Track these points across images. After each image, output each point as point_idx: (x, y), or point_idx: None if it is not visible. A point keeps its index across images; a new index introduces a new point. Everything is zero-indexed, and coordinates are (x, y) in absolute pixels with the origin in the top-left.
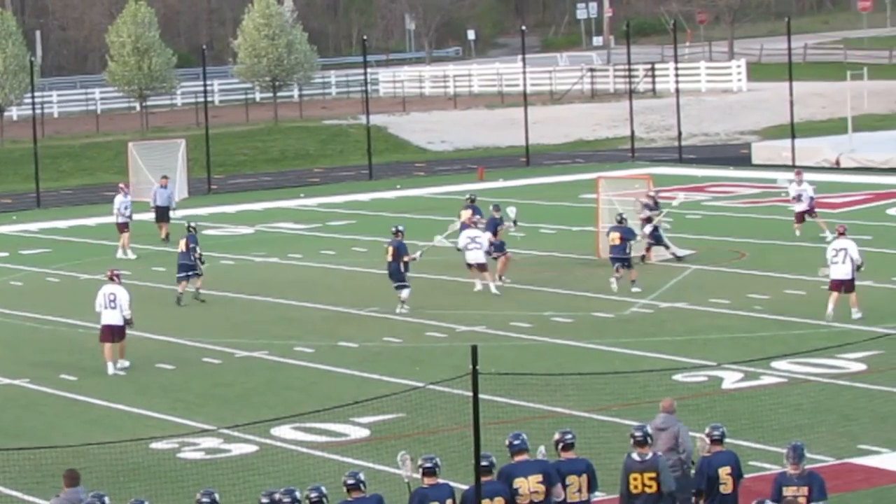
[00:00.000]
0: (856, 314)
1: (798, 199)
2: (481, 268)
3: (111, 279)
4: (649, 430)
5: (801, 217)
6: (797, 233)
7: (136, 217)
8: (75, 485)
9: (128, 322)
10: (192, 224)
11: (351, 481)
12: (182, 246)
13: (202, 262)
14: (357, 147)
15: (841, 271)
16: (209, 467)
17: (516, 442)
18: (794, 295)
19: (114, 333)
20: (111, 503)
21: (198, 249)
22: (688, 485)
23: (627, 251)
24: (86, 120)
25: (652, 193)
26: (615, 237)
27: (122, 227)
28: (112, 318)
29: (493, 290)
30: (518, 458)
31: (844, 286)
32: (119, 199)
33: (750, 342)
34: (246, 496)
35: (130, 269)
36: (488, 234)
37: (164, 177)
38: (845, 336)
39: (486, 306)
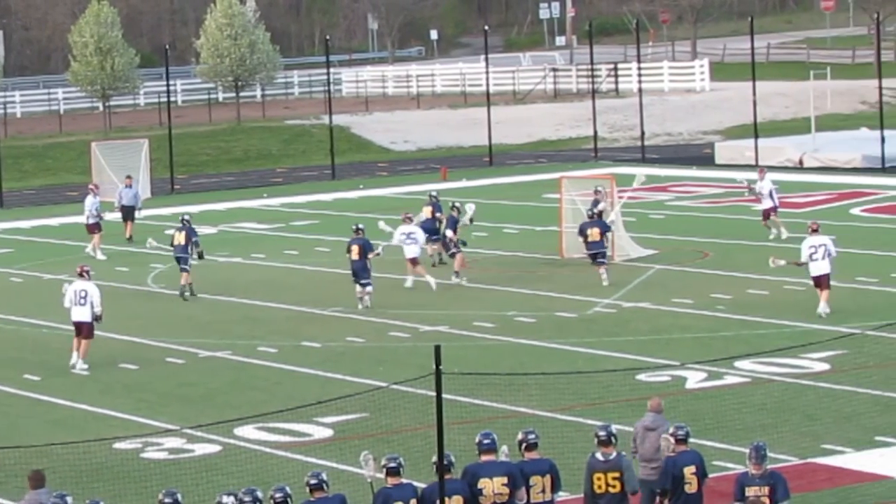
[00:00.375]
0: (824, 309)
1: (763, 196)
2: (413, 262)
3: (81, 275)
4: (613, 429)
5: (766, 215)
6: (771, 234)
7: (109, 217)
8: (40, 486)
9: (97, 318)
10: (187, 217)
11: (314, 481)
12: (181, 239)
13: (201, 258)
14: (320, 147)
15: (821, 267)
16: (172, 467)
17: (486, 441)
18: (758, 295)
19: (81, 330)
20: (74, 503)
21: (199, 244)
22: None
23: (606, 244)
24: (49, 120)
25: (600, 189)
26: (594, 232)
27: (93, 228)
28: (81, 314)
29: (433, 285)
30: (485, 458)
31: (823, 281)
32: (90, 200)
33: (713, 342)
34: (209, 496)
35: (94, 269)
36: (447, 228)
37: (128, 176)
38: (808, 336)
39: (450, 306)
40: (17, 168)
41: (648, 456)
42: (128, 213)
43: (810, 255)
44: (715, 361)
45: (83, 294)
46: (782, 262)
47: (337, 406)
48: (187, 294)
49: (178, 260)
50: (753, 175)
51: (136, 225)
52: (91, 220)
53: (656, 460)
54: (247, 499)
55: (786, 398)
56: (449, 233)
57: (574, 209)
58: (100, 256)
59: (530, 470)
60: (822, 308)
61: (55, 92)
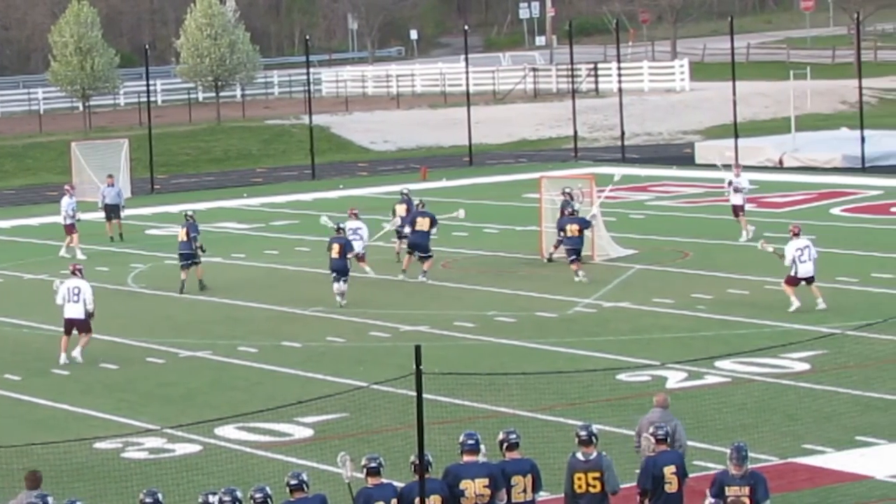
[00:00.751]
0: (822, 304)
1: (736, 190)
2: (359, 258)
3: (74, 273)
4: (594, 429)
5: (736, 212)
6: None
7: (83, 217)
8: (36, 487)
9: (90, 315)
10: (190, 213)
11: (294, 482)
12: (182, 235)
13: (203, 251)
14: (300, 147)
15: (808, 268)
16: (153, 467)
17: (470, 442)
18: (738, 295)
19: (75, 326)
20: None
21: (199, 239)
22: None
23: (582, 243)
24: (28, 120)
25: (569, 190)
26: (573, 228)
27: (70, 229)
28: (75, 311)
29: (372, 274)
30: (467, 459)
31: (811, 281)
32: (66, 201)
33: (693, 342)
34: (190, 496)
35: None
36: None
37: (110, 175)
38: (789, 336)
39: (430, 306)
40: None
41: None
42: (111, 211)
43: (798, 257)
44: (695, 361)
45: (76, 291)
46: (770, 249)
47: (317, 406)
48: (185, 290)
49: (181, 256)
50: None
51: (123, 223)
52: (68, 221)
53: None
54: (227, 499)
55: (766, 398)
56: (407, 229)
57: (554, 209)
58: (80, 256)
59: (512, 470)
60: (821, 304)
61: (35, 92)
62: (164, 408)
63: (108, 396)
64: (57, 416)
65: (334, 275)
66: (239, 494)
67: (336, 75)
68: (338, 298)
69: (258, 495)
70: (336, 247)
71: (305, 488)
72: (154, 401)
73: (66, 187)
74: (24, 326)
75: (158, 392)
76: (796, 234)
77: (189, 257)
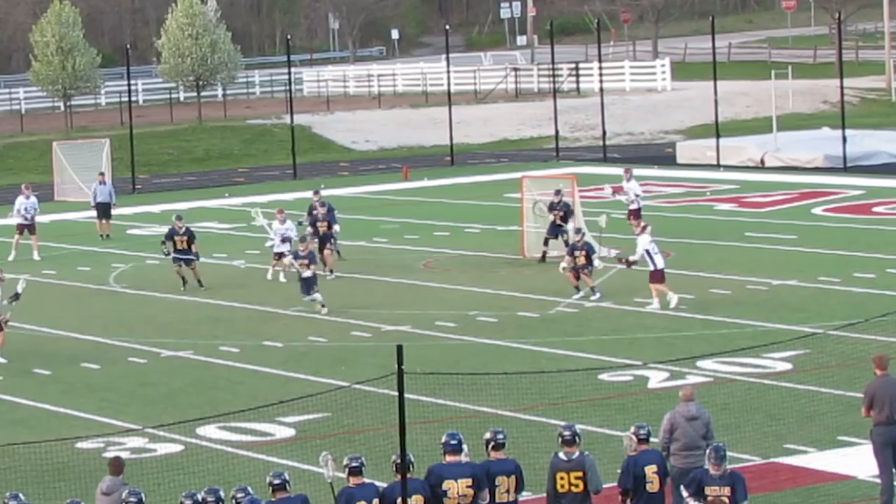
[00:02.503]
0: (675, 302)
1: (629, 197)
2: (279, 256)
3: None
4: (577, 429)
5: (635, 214)
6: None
7: (72, 216)
8: (119, 473)
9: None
10: (181, 216)
11: (277, 481)
12: (182, 244)
13: (197, 258)
14: (281, 147)
15: (662, 261)
16: (135, 467)
17: (453, 442)
18: (720, 294)
19: None
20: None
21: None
22: None
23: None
24: (10, 120)
25: (540, 202)
26: (582, 256)
27: (22, 228)
28: None
29: (270, 277)
30: (450, 459)
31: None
32: (20, 201)
33: (675, 341)
34: (171, 496)
35: (56, 269)
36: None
37: (101, 173)
38: (771, 336)
39: (412, 306)
40: None
41: (694, 444)
42: (103, 210)
43: (649, 252)
44: (677, 361)
45: None
46: (614, 252)
47: (299, 406)
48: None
49: (177, 256)
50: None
51: (112, 222)
52: (23, 221)
53: (698, 448)
54: (210, 498)
55: (748, 398)
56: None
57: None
58: (35, 257)
59: (496, 470)
60: (674, 301)
61: (16, 91)
62: (146, 407)
63: (89, 396)
64: (38, 415)
65: (304, 291)
66: (222, 494)
67: (317, 75)
68: (319, 307)
69: (240, 495)
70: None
71: (288, 488)
72: (136, 400)
73: (24, 186)
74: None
75: (140, 392)
76: (644, 228)
77: (186, 254)
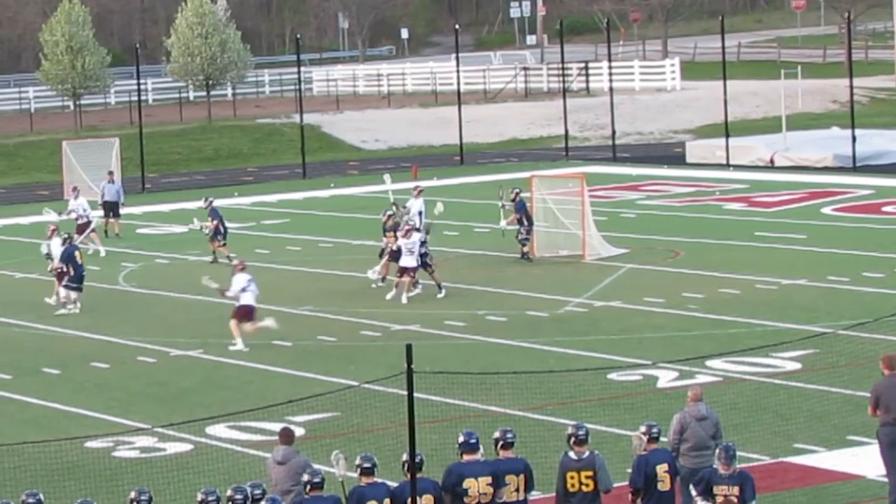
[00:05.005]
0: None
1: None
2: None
3: None
4: (587, 428)
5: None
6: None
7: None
8: (290, 443)
9: None
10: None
11: (317, 479)
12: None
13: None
14: (291, 146)
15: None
16: (144, 466)
17: (472, 441)
18: (729, 294)
19: None
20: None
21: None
22: None
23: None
24: (19, 119)
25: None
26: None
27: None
28: None
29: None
30: (468, 458)
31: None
32: (76, 202)
33: (685, 341)
34: (181, 495)
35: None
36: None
37: (110, 172)
38: (780, 335)
39: (421, 305)
40: None
41: (703, 444)
42: (111, 208)
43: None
44: (686, 361)
45: None
46: (214, 284)
47: (308, 405)
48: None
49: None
50: (724, 174)
51: (121, 222)
52: (83, 220)
53: (707, 448)
54: (238, 497)
55: (757, 397)
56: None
57: (545, 208)
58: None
59: (506, 469)
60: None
61: (26, 91)
62: (156, 407)
63: (99, 395)
64: (48, 414)
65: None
66: (248, 492)
67: (327, 74)
68: (71, 307)
69: (257, 492)
70: (78, 254)
71: (323, 487)
72: (145, 400)
73: (72, 188)
74: (15, 325)
75: (149, 391)
76: (242, 269)
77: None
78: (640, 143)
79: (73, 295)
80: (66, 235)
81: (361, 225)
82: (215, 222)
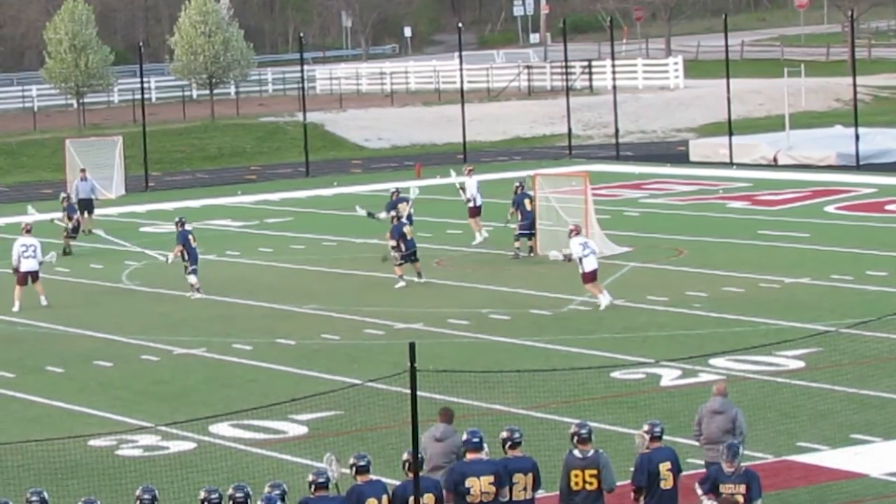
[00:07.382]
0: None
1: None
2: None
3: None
4: (591, 427)
5: (473, 213)
6: (477, 235)
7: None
8: (450, 422)
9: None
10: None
11: (321, 479)
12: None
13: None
14: (294, 144)
15: (594, 262)
16: (147, 464)
17: (475, 440)
18: (732, 292)
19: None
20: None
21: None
22: None
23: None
24: (23, 117)
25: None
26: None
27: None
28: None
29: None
30: (472, 456)
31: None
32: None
33: (688, 339)
34: (184, 493)
35: (68, 266)
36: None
37: (83, 169)
38: (784, 334)
39: (424, 303)
40: None
41: (715, 438)
42: (86, 206)
43: (584, 253)
44: (690, 359)
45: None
46: (560, 256)
47: (311, 403)
48: None
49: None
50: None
51: (95, 219)
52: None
53: (721, 443)
54: (238, 495)
55: (761, 396)
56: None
57: (548, 206)
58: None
59: (514, 468)
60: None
61: (29, 89)
62: (159, 405)
63: (102, 394)
64: (51, 413)
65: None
66: (249, 490)
67: (330, 73)
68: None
69: (239, 495)
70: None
71: (329, 487)
72: (148, 398)
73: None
74: (19, 324)
75: (153, 389)
76: (577, 232)
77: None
78: (644, 142)
79: (193, 279)
80: (177, 219)
81: (366, 223)
82: (179, 247)
